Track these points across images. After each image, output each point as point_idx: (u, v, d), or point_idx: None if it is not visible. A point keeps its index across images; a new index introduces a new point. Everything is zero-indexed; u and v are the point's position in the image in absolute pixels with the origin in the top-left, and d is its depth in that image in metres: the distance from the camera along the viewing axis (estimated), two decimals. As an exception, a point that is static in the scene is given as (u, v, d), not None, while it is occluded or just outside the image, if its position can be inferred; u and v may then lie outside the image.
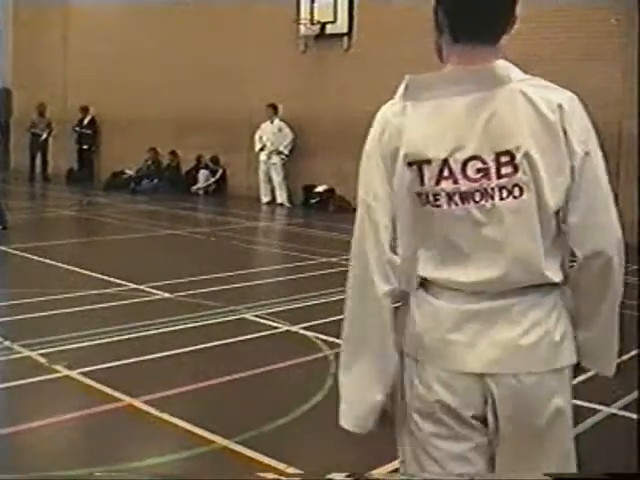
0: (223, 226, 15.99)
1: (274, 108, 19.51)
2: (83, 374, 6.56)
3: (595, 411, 6.02)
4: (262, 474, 4.73)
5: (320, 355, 7.29)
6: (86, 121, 25.10)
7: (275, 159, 19.65)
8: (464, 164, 2.54)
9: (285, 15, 19.27)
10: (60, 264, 11.15)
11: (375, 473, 4.81)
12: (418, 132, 2.57)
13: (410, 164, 2.57)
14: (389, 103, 2.70)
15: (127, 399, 6.02)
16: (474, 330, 2.61)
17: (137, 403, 5.96)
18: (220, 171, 21.57)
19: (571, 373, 2.74)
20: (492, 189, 2.54)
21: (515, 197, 2.54)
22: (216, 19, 21.22)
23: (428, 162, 2.55)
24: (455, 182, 2.54)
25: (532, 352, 2.61)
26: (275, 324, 8.22)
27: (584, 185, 2.57)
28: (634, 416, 5.93)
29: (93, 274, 10.46)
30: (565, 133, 2.54)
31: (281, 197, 19.63)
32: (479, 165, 2.54)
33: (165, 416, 5.70)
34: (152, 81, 22.99)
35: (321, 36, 19.34)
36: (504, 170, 2.53)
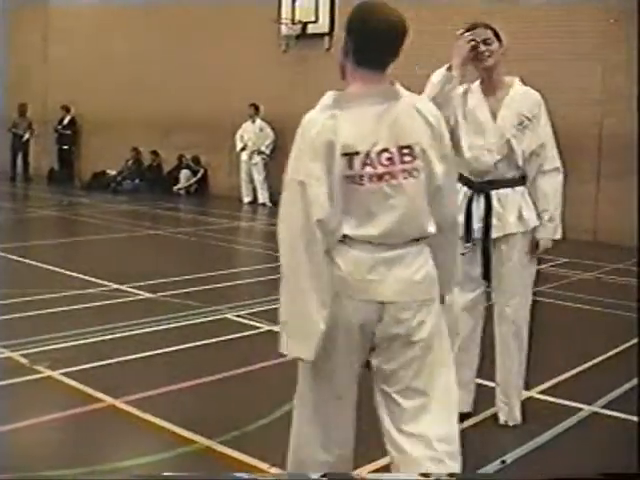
0: (205, 226, 15.97)
1: (255, 108, 19.51)
2: (65, 374, 6.54)
3: (577, 410, 6.04)
4: (244, 474, 4.72)
5: (303, 355, 7.28)
6: (66, 121, 25.03)
7: (256, 159, 19.66)
8: (379, 154, 3.59)
9: (266, 15, 19.26)
10: (41, 264, 11.12)
11: (356, 473, 4.82)
12: (348, 132, 3.56)
13: (344, 154, 3.56)
14: (315, 112, 3.67)
15: (109, 399, 6.01)
16: (383, 271, 3.67)
17: (119, 403, 5.94)
18: (201, 171, 21.55)
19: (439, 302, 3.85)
20: (397, 172, 3.61)
21: (414, 177, 3.64)
22: (197, 19, 21.21)
23: (357, 154, 3.57)
24: (374, 167, 3.58)
25: (420, 285, 3.72)
26: (257, 324, 8.21)
27: (453, 169, 3.88)
28: (617, 414, 5.96)
29: (74, 274, 10.43)
30: (441, 134, 3.73)
31: (263, 197, 19.62)
32: (387, 155, 3.60)
33: (147, 416, 5.68)
34: (133, 81, 22.95)
35: (302, 36, 19.36)
36: (406, 158, 3.62)
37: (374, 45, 3.62)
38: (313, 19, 18.91)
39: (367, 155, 3.57)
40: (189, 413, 5.68)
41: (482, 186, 5.60)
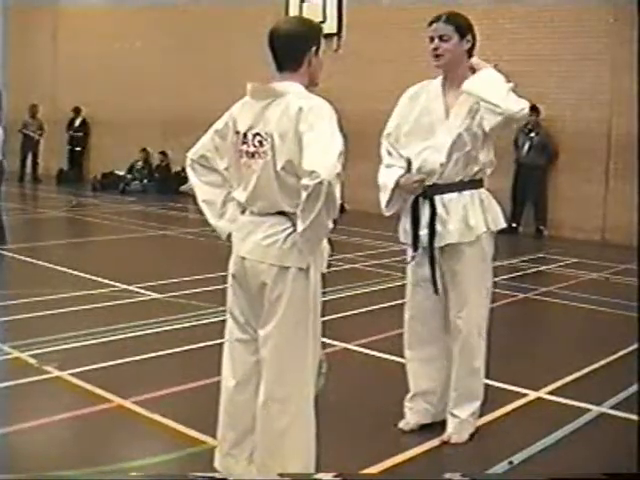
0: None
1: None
2: (73, 375, 6.55)
3: (586, 410, 6.03)
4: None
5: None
6: (77, 122, 25.09)
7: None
8: (253, 136, 4.31)
9: (274, 15, 19.21)
10: (50, 265, 11.14)
11: (362, 474, 4.82)
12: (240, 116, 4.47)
13: (237, 133, 4.42)
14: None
15: (117, 400, 6.02)
16: (245, 232, 4.41)
17: (127, 404, 5.96)
18: (210, 171, 21.48)
19: (302, 275, 4.26)
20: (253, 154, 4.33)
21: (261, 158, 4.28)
22: (205, 20, 21.23)
23: (237, 133, 4.42)
24: (247, 145, 4.35)
25: (266, 250, 4.29)
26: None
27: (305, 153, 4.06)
28: (625, 415, 5.94)
29: (83, 275, 10.45)
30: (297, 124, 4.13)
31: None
32: (258, 138, 4.29)
33: (155, 417, 5.69)
34: (142, 81, 22.99)
35: (310, 36, 19.31)
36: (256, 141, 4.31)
37: (273, 52, 4.48)
38: (321, 19, 18.86)
39: (244, 136, 4.44)
40: (198, 413, 5.68)
41: (426, 190, 5.29)
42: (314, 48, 4.37)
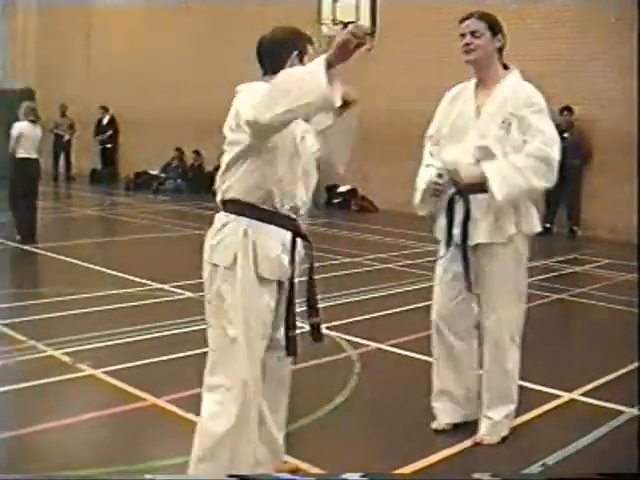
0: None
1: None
2: (107, 373, 6.59)
3: (619, 412, 6.00)
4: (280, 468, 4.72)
5: (343, 355, 7.29)
6: (105, 121, 25.21)
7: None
8: None
9: (307, 15, 19.24)
10: (84, 263, 11.20)
11: (389, 473, 4.82)
12: None
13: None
14: None
15: (151, 398, 6.05)
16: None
17: (161, 402, 5.98)
18: (243, 171, 21.52)
19: (228, 273, 4.43)
20: None
21: None
22: (238, 19, 21.22)
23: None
24: None
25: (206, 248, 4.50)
26: (298, 324, 8.20)
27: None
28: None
29: (116, 273, 10.50)
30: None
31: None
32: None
33: (189, 415, 5.69)
34: (175, 81, 23.06)
35: (343, 36, 19.27)
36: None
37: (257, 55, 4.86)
38: (354, 19, 18.83)
39: None
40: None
41: (462, 188, 5.28)
42: (295, 53, 4.52)
